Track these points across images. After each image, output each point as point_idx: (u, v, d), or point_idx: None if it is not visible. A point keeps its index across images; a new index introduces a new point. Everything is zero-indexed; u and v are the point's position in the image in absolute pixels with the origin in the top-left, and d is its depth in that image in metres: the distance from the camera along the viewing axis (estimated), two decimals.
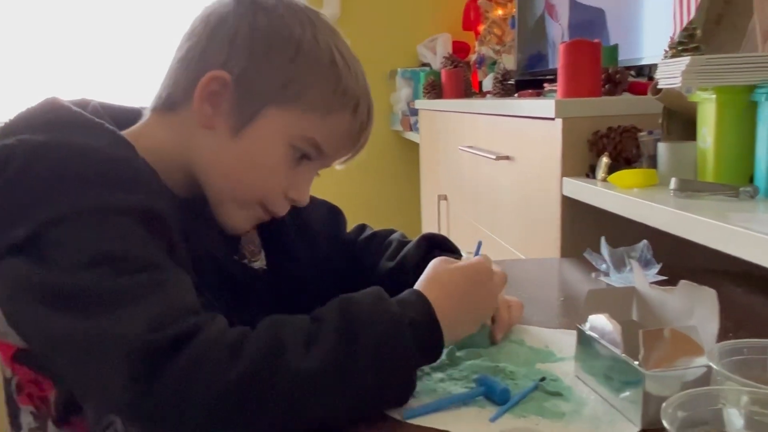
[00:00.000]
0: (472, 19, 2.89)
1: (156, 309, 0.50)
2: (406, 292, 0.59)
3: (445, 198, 2.04)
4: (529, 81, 2.05)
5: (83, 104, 0.65)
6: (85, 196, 0.54)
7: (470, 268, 0.62)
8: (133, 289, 0.51)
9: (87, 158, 0.56)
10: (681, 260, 0.91)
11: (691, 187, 0.89)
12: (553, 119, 1.14)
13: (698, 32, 1.13)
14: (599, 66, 1.20)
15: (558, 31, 1.89)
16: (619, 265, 0.88)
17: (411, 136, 2.77)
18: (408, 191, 3.00)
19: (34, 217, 0.53)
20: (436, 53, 2.89)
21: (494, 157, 1.44)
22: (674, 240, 0.83)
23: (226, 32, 0.64)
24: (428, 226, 2.40)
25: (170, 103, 0.66)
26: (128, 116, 0.69)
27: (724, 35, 1.30)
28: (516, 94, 1.92)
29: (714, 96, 0.89)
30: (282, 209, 0.69)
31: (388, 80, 3.04)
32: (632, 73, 1.37)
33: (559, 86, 1.22)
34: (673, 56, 1.17)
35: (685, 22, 1.19)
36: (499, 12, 2.79)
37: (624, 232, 0.95)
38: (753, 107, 0.87)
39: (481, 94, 2.39)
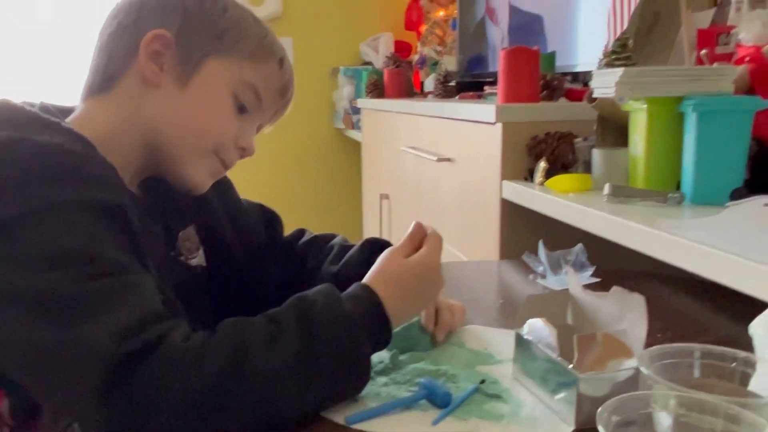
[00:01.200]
0: (414, 19, 2.92)
1: (124, 318, 0.50)
2: (355, 287, 0.61)
3: (387, 197, 2.06)
4: (469, 83, 2.09)
5: (32, 105, 0.63)
6: (50, 193, 0.53)
7: (419, 265, 0.64)
8: (101, 296, 0.51)
9: (49, 155, 0.55)
10: (614, 263, 0.95)
11: (623, 193, 0.92)
12: (493, 123, 1.17)
13: (630, 42, 1.17)
14: (538, 72, 1.24)
15: (498, 34, 1.93)
16: (556, 267, 0.92)
17: (353, 134, 2.78)
18: (350, 189, 3.01)
19: None
20: (379, 52, 2.91)
21: (435, 158, 1.46)
22: (608, 243, 0.87)
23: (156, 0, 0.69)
24: (369, 225, 2.42)
25: (105, 82, 0.68)
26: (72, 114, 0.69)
27: (654, 46, 1.36)
28: (457, 96, 1.95)
29: (645, 106, 0.93)
30: (234, 159, 0.73)
31: (330, 78, 3.04)
32: (568, 79, 1.42)
33: (499, 91, 1.25)
34: (607, 65, 1.22)
35: (619, 31, 1.24)
36: (441, 13, 2.83)
37: (561, 235, 0.99)
38: (680, 117, 0.91)
39: (423, 94, 2.42)
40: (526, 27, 1.76)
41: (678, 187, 0.93)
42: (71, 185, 0.54)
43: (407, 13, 2.94)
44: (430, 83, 2.35)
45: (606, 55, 1.24)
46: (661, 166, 0.95)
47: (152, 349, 0.50)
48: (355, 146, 2.87)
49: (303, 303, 0.57)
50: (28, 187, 0.53)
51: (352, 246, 0.82)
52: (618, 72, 0.90)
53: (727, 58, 1.14)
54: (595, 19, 1.42)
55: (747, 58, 0.99)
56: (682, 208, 0.88)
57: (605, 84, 0.95)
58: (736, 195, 0.86)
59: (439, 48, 2.76)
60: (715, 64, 1.10)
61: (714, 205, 0.85)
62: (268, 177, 2.86)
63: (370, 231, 2.36)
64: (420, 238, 0.66)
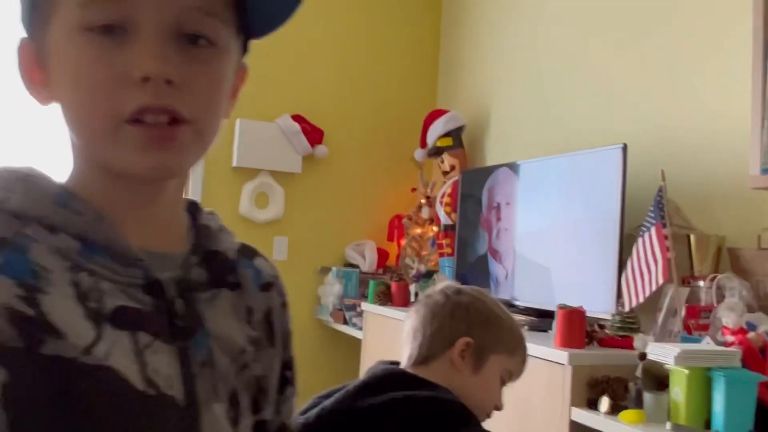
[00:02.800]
0: (396, 233, 3.47)
1: None
2: None
3: None
4: None
5: None
6: None
7: None
8: None
9: None
10: None
11: (678, 429, 1.41)
12: (563, 364, 1.65)
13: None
14: (584, 325, 1.76)
15: (502, 272, 2.49)
16: None
17: (344, 328, 3.17)
18: (331, 376, 3.33)
19: None
20: (365, 258, 3.40)
21: None
22: None
23: None
24: None
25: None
26: None
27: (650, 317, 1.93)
28: None
29: (687, 371, 1.45)
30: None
31: (317, 274, 3.46)
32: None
33: (557, 337, 1.75)
34: (621, 322, 1.77)
35: (635, 302, 1.80)
36: (418, 230, 3.41)
37: None
38: (708, 380, 1.43)
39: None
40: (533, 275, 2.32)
41: (707, 425, 1.43)
42: None
43: (390, 226, 3.49)
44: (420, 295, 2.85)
45: (620, 314, 1.80)
46: (695, 410, 1.45)
47: None
48: (342, 338, 3.27)
49: None
50: None
51: None
52: (676, 349, 1.43)
53: (705, 328, 1.72)
54: (602, 280, 1.99)
55: (736, 341, 1.55)
56: None
57: (661, 353, 1.47)
58: None
59: (415, 259, 3.32)
60: (703, 335, 1.66)
61: None
62: None
63: None
64: None
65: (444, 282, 1.31)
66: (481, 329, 1.12)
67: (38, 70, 0.58)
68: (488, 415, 1.13)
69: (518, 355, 1.16)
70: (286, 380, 0.71)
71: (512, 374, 1.15)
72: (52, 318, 0.52)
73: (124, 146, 0.55)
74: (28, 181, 0.57)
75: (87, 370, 0.52)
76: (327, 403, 1.05)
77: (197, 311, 0.60)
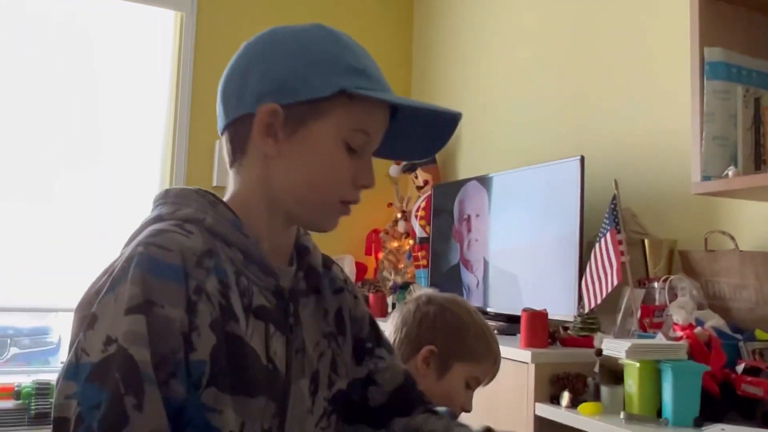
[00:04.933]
0: (373, 247, 3.58)
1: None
2: None
3: None
4: None
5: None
6: None
7: None
8: None
9: None
10: None
11: (632, 418, 1.53)
12: (527, 363, 1.77)
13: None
14: (547, 326, 1.87)
15: (473, 280, 2.60)
16: None
17: None
18: None
19: None
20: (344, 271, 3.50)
21: None
22: None
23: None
24: None
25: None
26: None
27: (604, 308, 2.05)
28: None
29: (638, 364, 1.57)
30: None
31: None
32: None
33: (522, 339, 1.86)
34: (582, 323, 1.89)
35: (594, 304, 1.92)
36: (395, 244, 3.52)
37: None
38: (658, 372, 1.55)
39: None
40: (501, 278, 2.44)
41: (659, 414, 1.55)
42: None
43: (367, 240, 3.60)
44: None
45: (581, 315, 1.92)
46: (646, 400, 1.57)
47: None
48: None
49: None
50: None
51: None
52: (627, 344, 1.54)
53: (659, 326, 1.84)
54: (559, 280, 2.11)
55: (684, 336, 1.67)
56: (672, 428, 1.49)
57: (614, 348, 1.59)
58: (697, 421, 1.49)
59: (392, 271, 3.43)
60: (657, 332, 1.79)
61: (688, 426, 1.47)
62: None
63: None
64: None
65: (422, 289, 1.38)
66: (445, 338, 1.19)
67: (281, 132, 0.80)
68: (455, 417, 1.21)
69: (485, 362, 1.23)
70: (364, 351, 0.95)
71: (479, 380, 1.22)
72: (233, 308, 0.76)
73: (329, 213, 0.85)
74: (215, 205, 0.81)
75: (244, 344, 0.76)
76: None
77: (299, 312, 0.85)
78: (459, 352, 1.20)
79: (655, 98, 2.19)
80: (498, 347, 1.27)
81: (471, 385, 1.22)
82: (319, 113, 0.80)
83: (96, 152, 3.18)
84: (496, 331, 2.22)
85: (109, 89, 3.21)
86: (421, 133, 0.90)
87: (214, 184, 3.36)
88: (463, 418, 1.22)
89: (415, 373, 1.17)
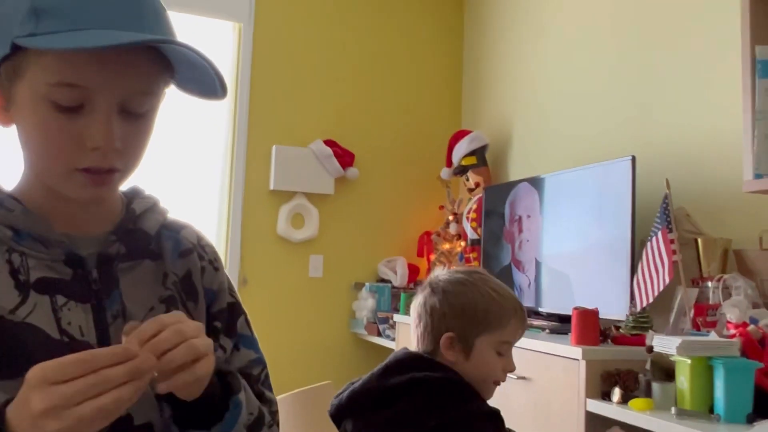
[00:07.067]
0: (425, 248, 3.63)
1: None
2: None
3: None
4: None
5: None
6: None
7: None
8: None
9: None
10: None
11: (683, 414, 1.54)
12: (578, 360, 1.79)
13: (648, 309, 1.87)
14: (597, 324, 1.89)
15: (525, 281, 2.63)
16: None
17: (378, 340, 3.33)
18: None
19: None
20: (397, 273, 3.57)
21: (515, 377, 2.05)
22: None
23: None
24: None
25: None
26: None
27: (657, 308, 2.06)
28: None
29: (689, 361, 1.58)
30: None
31: (351, 290, 3.64)
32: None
33: (573, 336, 1.89)
34: (634, 321, 1.90)
35: (645, 303, 1.93)
36: (447, 246, 3.57)
37: None
38: (710, 369, 1.56)
39: None
40: (555, 281, 2.46)
41: (710, 410, 1.56)
42: None
43: (419, 243, 3.66)
44: None
45: (633, 314, 1.94)
46: (698, 396, 1.58)
47: None
48: (374, 349, 3.43)
49: None
50: None
51: None
52: (678, 340, 1.56)
53: (713, 324, 1.84)
54: (611, 280, 2.12)
55: (737, 333, 1.67)
56: (724, 424, 1.49)
57: (665, 345, 1.61)
58: (750, 418, 1.49)
59: None
60: (711, 331, 1.79)
61: (740, 423, 1.48)
62: (288, 368, 3.32)
63: None
64: None
65: (427, 277, 1.32)
66: (457, 322, 1.19)
67: (2, 95, 0.73)
68: (497, 384, 1.21)
69: (506, 324, 1.20)
70: (215, 330, 0.85)
71: (509, 342, 1.22)
72: None
73: (73, 184, 0.73)
74: None
75: (10, 326, 0.71)
76: (356, 384, 1.22)
77: (114, 277, 0.78)
78: (475, 329, 1.20)
79: (706, 97, 2.19)
80: (513, 300, 1.25)
81: (502, 352, 1.22)
82: (16, 74, 0.70)
83: (160, 158, 3.33)
84: (547, 331, 2.26)
85: (171, 98, 3.35)
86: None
87: (272, 187, 3.48)
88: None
89: (449, 364, 1.19)
